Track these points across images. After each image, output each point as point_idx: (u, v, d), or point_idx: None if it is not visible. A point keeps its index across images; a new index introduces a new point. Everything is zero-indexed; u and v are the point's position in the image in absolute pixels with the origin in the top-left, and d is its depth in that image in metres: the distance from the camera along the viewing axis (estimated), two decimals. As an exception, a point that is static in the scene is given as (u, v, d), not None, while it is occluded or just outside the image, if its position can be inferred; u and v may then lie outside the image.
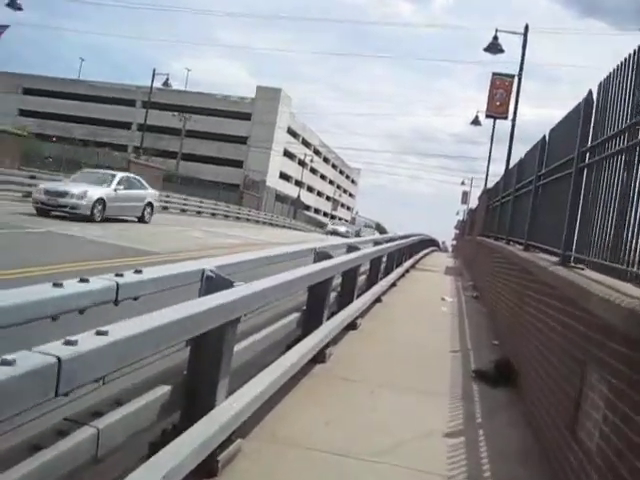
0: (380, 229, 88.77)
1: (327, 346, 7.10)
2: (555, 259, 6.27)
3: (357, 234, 64.96)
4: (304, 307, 7.01)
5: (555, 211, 6.91)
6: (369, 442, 4.68)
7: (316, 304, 7.02)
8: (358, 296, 9.80)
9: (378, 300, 11.86)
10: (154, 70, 47.80)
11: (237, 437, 4.24)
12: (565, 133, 7.13)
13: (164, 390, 3.72)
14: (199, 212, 46.35)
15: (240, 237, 25.06)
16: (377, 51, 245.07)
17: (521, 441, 5.19)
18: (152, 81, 48.23)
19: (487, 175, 34.03)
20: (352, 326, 8.87)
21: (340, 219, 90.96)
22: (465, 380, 6.82)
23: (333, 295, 8.32)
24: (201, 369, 3.97)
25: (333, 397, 5.79)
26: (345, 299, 8.98)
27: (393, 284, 14.83)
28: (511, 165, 16.52)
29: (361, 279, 11.02)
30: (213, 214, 48.57)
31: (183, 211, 44.03)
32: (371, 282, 11.76)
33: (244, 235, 26.58)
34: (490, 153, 35.23)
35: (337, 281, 8.94)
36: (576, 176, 5.87)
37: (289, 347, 5.93)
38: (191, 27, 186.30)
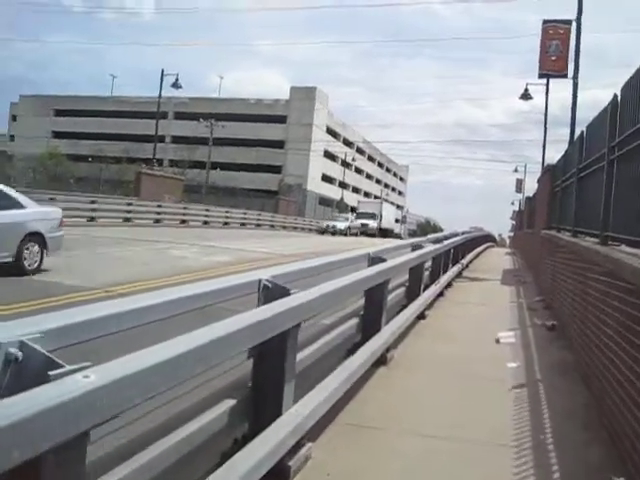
0: (431, 227, 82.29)
1: None
2: None
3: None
4: None
5: None
6: None
7: None
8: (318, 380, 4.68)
9: (381, 361, 6.74)
10: (162, 71, 43.28)
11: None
12: None
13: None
14: (226, 223, 41.94)
15: (244, 251, 20.14)
16: (414, 47, 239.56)
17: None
18: (161, 84, 43.82)
19: (544, 150, 28.47)
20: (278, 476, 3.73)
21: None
22: None
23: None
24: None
25: None
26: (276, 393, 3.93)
27: (421, 315, 9.72)
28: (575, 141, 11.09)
29: (345, 328, 5.95)
30: (243, 224, 44.21)
31: (206, 223, 39.62)
32: (368, 331, 6.62)
33: (250, 248, 21.61)
34: (545, 123, 29.40)
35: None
36: None
37: None
38: (228, 38, 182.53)
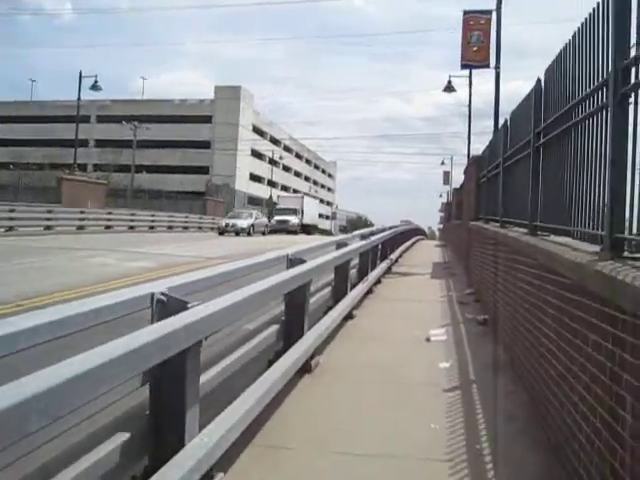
0: (362, 223, 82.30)
1: None
2: None
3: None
4: None
5: None
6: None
7: None
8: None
9: (305, 369, 6.29)
10: (80, 73, 41.55)
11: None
12: None
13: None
14: (152, 227, 40.95)
15: (170, 256, 19.44)
16: (340, 43, 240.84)
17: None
18: (79, 86, 41.91)
19: (469, 141, 28.71)
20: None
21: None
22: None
23: None
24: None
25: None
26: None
27: (349, 315, 9.34)
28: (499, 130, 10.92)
29: (265, 336, 5.46)
30: (170, 227, 43.25)
31: (131, 228, 38.60)
32: (290, 337, 6.17)
33: (176, 252, 20.89)
34: (470, 114, 29.86)
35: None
36: None
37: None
38: (154, 39, 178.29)
